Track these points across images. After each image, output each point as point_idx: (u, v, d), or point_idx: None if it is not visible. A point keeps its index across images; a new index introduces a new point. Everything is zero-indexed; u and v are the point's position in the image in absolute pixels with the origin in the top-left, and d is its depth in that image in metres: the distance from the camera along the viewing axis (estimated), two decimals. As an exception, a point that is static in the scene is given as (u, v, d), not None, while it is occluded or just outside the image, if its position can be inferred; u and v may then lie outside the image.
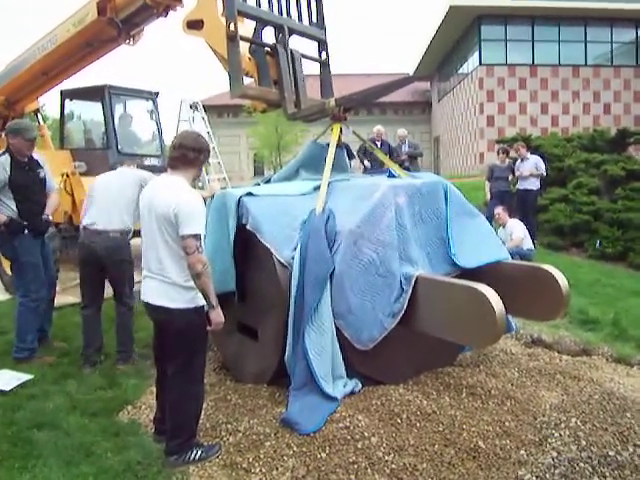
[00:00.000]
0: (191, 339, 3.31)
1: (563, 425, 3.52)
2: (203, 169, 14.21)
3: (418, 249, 4.27)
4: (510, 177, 10.77)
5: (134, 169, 5.53)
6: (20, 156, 5.03)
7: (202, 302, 3.27)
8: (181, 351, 3.32)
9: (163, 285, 3.28)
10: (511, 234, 8.55)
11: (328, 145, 4.83)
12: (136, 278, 4.81)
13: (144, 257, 3.39)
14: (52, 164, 7.57)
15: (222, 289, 4.29)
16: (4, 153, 5.03)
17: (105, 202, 5.05)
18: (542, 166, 10.48)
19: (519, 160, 10.64)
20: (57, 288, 6.62)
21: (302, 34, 5.61)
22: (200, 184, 13.76)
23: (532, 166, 10.38)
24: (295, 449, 3.36)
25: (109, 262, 4.96)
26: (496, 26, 25.11)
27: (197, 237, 3.14)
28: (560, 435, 3.42)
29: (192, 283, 3.20)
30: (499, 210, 8.89)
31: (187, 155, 3.32)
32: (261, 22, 5.29)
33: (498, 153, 11.22)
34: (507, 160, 10.91)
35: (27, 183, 5.08)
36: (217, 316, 3.26)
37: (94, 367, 4.91)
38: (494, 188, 10.70)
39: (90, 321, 5.04)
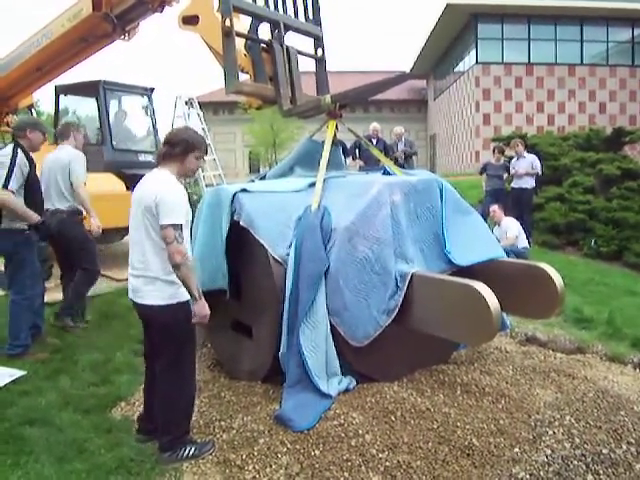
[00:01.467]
0: (177, 334, 3.31)
1: (557, 423, 3.52)
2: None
3: (413, 246, 4.26)
4: (505, 176, 10.82)
5: (69, 148, 5.70)
6: (32, 152, 5.00)
7: (186, 297, 3.25)
8: (168, 346, 3.33)
9: (146, 282, 3.28)
10: (506, 232, 8.57)
11: (323, 142, 4.82)
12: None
13: (130, 254, 3.40)
14: (46, 160, 7.52)
15: (213, 286, 4.29)
16: (15, 148, 4.86)
17: (52, 183, 5.47)
18: (538, 165, 10.49)
19: (515, 158, 10.66)
20: (51, 284, 6.62)
21: (298, 30, 5.59)
22: (194, 179, 13.70)
23: (528, 165, 10.39)
24: (289, 446, 3.35)
25: (61, 240, 5.51)
26: (493, 24, 25.13)
27: (176, 227, 3.13)
28: (554, 433, 3.41)
29: (175, 277, 3.19)
30: (494, 208, 8.90)
31: (170, 151, 3.36)
32: (257, 18, 5.28)
33: (494, 151, 11.27)
34: (502, 159, 10.95)
35: (36, 180, 5.05)
36: (201, 308, 3.23)
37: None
38: (488, 186, 10.76)
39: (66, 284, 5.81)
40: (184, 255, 3.13)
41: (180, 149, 3.35)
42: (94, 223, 5.61)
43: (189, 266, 3.18)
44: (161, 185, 3.23)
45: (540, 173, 10.61)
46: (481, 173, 11.25)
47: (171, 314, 3.27)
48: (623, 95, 25.71)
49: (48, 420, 3.77)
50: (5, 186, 4.68)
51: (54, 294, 6.45)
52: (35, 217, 4.86)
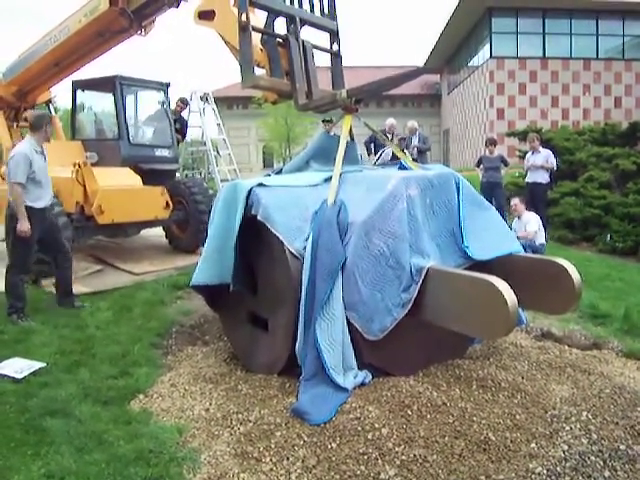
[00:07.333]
0: None
1: (574, 419, 3.51)
2: (214, 160, 14.24)
3: (429, 241, 4.25)
4: (502, 168, 10.86)
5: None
6: None
7: None
8: None
9: None
10: (525, 225, 8.52)
11: (338, 137, 4.82)
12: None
13: None
14: (64, 154, 7.65)
15: (225, 280, 4.35)
16: None
17: (48, 181, 5.77)
18: (553, 160, 10.45)
19: (530, 152, 10.65)
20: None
21: (314, 25, 5.60)
22: (210, 175, 13.73)
23: (543, 160, 10.35)
24: (306, 439, 3.36)
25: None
26: (507, 18, 24.98)
27: None
28: (571, 428, 3.41)
29: None
30: (516, 201, 8.84)
31: None
32: (273, 12, 5.29)
33: (486, 144, 11.35)
34: (496, 151, 11.01)
35: None
36: None
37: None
38: (484, 178, 10.78)
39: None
40: None
41: None
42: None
43: None
44: None
45: (555, 168, 10.57)
46: (477, 166, 11.44)
47: None
48: (639, 89, 25.45)
49: (68, 412, 3.82)
50: None
51: (79, 287, 6.51)
52: None
